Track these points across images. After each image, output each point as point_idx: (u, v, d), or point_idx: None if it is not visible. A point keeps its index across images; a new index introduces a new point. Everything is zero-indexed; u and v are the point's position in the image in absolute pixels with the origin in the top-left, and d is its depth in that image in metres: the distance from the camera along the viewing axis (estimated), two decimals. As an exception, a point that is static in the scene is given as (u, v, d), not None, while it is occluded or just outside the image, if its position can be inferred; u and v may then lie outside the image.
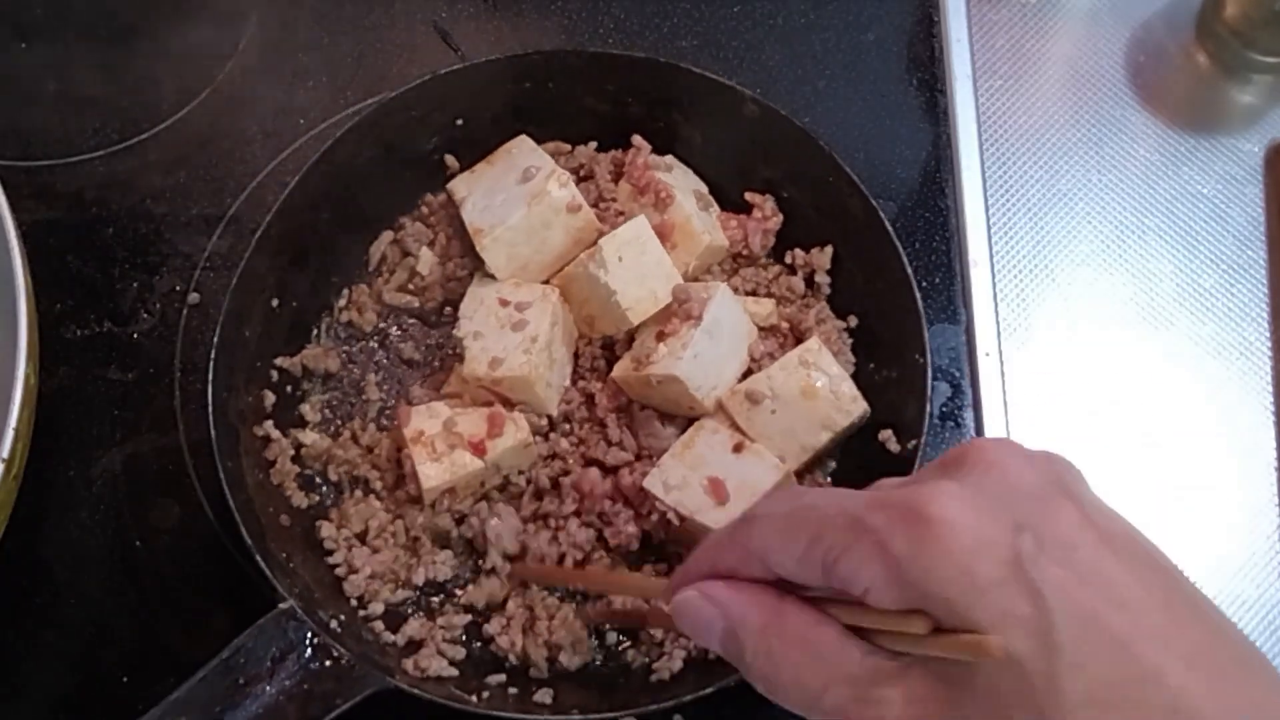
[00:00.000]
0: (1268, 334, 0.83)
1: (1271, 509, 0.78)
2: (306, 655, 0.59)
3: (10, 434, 0.58)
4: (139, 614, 0.70)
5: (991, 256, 0.84)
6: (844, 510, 0.41)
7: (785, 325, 0.76)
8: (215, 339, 0.66)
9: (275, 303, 0.72)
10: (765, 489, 0.67)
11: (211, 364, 0.65)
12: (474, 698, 0.64)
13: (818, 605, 0.43)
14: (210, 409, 0.64)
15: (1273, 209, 0.87)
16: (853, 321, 0.76)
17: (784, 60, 0.90)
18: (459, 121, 0.77)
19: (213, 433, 0.64)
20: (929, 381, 0.69)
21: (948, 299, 0.82)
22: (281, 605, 0.60)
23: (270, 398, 0.71)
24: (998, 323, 0.81)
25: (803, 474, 0.71)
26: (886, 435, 0.70)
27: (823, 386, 0.70)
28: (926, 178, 0.86)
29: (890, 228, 0.72)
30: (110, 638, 0.69)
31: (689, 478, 0.68)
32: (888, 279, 0.72)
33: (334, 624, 0.64)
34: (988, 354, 0.80)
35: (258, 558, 0.61)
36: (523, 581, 0.69)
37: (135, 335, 0.77)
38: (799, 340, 0.74)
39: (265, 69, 0.88)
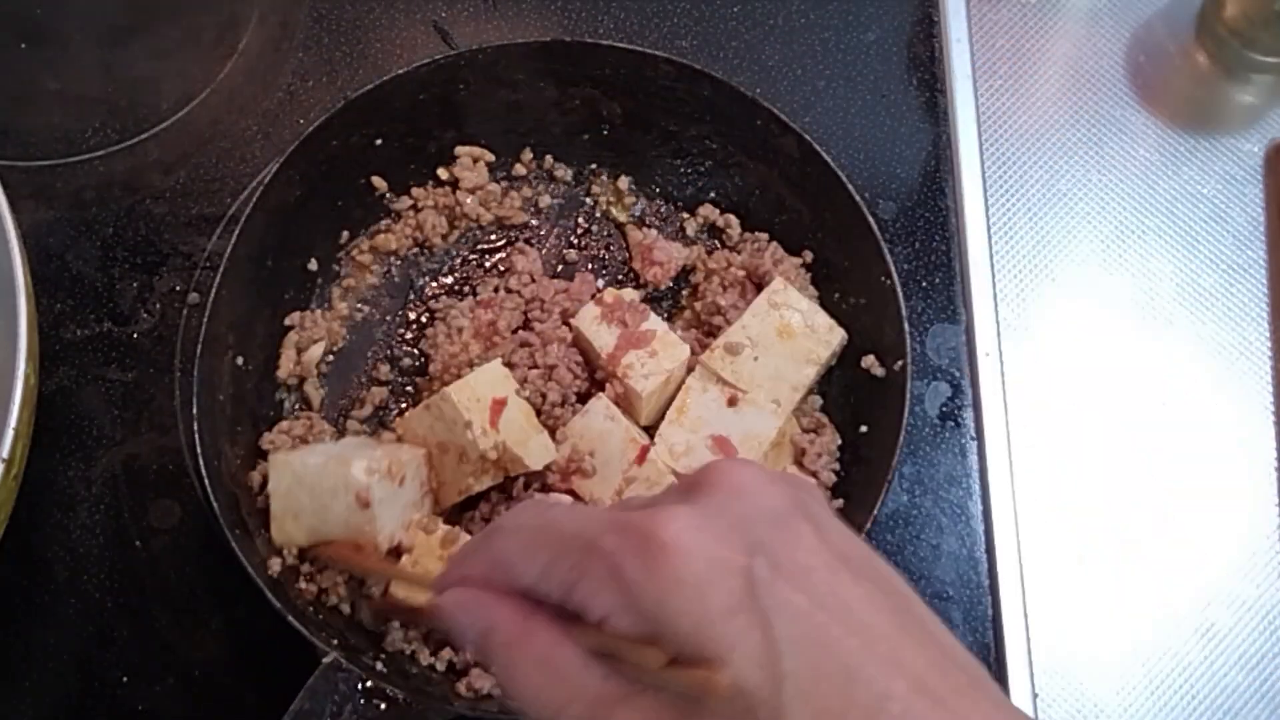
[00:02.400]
0: (1268, 334, 0.83)
1: (1271, 509, 0.78)
2: (361, 704, 0.59)
3: (10, 434, 0.58)
4: (139, 614, 0.70)
5: (991, 256, 0.84)
6: (582, 531, 0.41)
7: (742, 273, 0.77)
8: (194, 411, 0.65)
9: (240, 360, 0.71)
10: (769, 437, 0.67)
11: (197, 438, 0.64)
12: None
13: (567, 623, 0.43)
14: (207, 481, 0.64)
15: (1273, 209, 0.87)
16: (808, 257, 0.77)
17: (784, 60, 0.90)
18: (378, 141, 0.77)
19: (214, 504, 0.63)
20: (900, 301, 0.70)
21: (948, 299, 0.82)
22: (325, 660, 0.60)
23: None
24: (998, 323, 0.81)
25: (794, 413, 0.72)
26: (870, 361, 0.72)
27: (798, 323, 0.72)
28: (926, 178, 0.86)
29: (829, 159, 0.73)
30: (110, 638, 0.69)
31: (692, 441, 0.69)
32: (836, 209, 0.74)
33: (379, 665, 0.64)
34: (988, 354, 0.80)
35: (290, 619, 0.61)
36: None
37: (135, 335, 0.77)
38: (759, 288, 0.75)
39: (265, 69, 0.88)
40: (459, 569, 0.47)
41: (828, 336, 0.72)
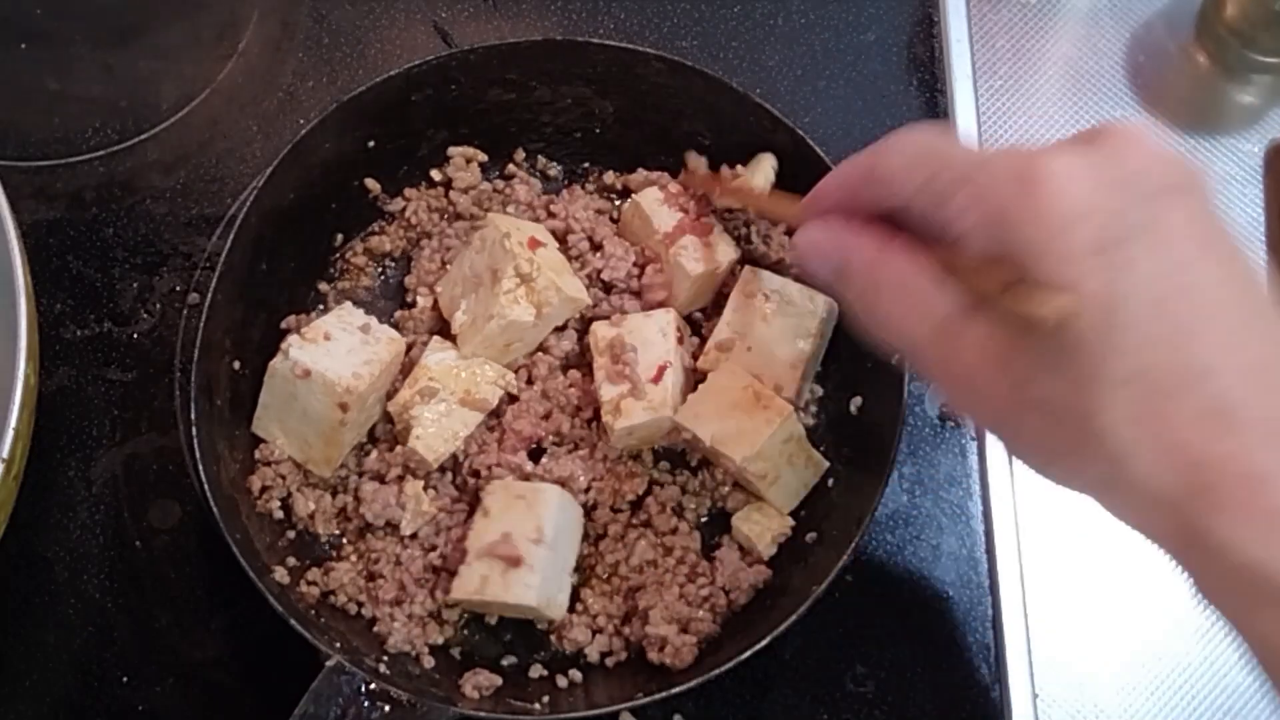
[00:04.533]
0: (1268, 334, 0.83)
1: (1271, 509, 0.78)
2: (365, 706, 0.60)
3: (10, 434, 0.58)
4: (139, 614, 0.70)
5: (991, 256, 0.83)
6: (969, 156, 0.43)
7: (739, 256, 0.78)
8: (192, 415, 0.65)
9: (237, 365, 0.71)
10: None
11: (196, 443, 0.64)
12: (536, 705, 0.64)
13: (924, 246, 0.45)
14: (207, 486, 0.64)
15: (1273, 209, 0.86)
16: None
17: (784, 60, 0.90)
18: (370, 144, 0.77)
19: (214, 509, 0.63)
20: None
21: (948, 299, 0.82)
22: (328, 663, 0.60)
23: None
24: (998, 322, 0.81)
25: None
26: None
27: (774, 306, 0.72)
28: (926, 178, 0.86)
29: (821, 153, 0.73)
30: (110, 638, 0.69)
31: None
32: None
33: (382, 667, 0.64)
34: (988, 354, 0.80)
35: (293, 622, 0.61)
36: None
37: (135, 335, 0.77)
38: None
39: (265, 69, 0.88)
40: (836, 178, 0.50)
41: (811, 306, 0.72)
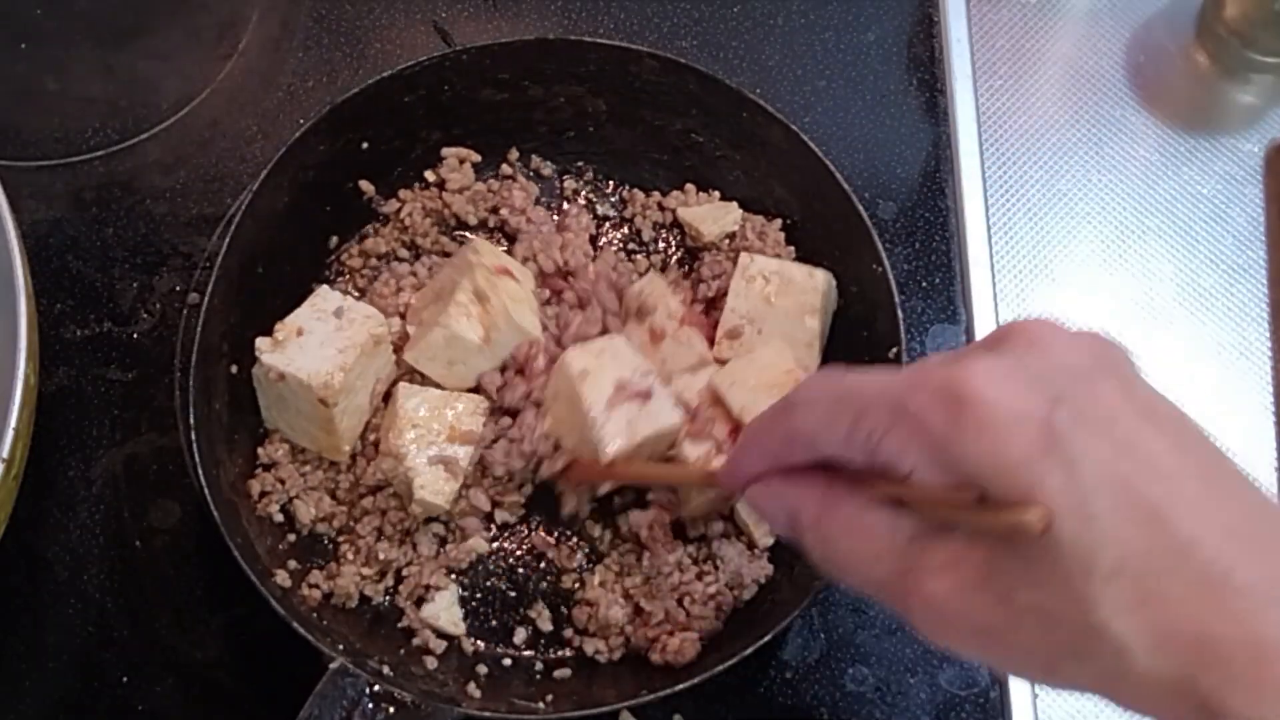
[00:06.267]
0: (1268, 334, 0.83)
1: (1271, 509, 0.78)
2: (370, 708, 0.60)
3: (10, 434, 0.58)
4: (139, 614, 0.70)
5: (991, 256, 0.84)
6: (885, 391, 0.43)
7: (732, 254, 0.77)
8: (191, 420, 0.65)
9: (235, 369, 0.70)
10: None
11: (195, 448, 0.64)
12: (539, 704, 0.65)
13: (867, 483, 0.45)
14: (207, 491, 0.64)
15: (1273, 209, 0.87)
16: (793, 252, 0.78)
17: (784, 60, 0.90)
18: (364, 145, 0.77)
19: (215, 514, 0.63)
20: (893, 288, 0.70)
21: (948, 299, 0.82)
22: (332, 665, 0.60)
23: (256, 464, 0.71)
24: (998, 323, 0.81)
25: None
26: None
27: (775, 287, 0.72)
28: (926, 178, 0.86)
29: (815, 148, 0.74)
30: (110, 638, 0.69)
31: None
32: (825, 198, 0.74)
33: (386, 669, 0.64)
34: (988, 354, 0.80)
35: (295, 625, 0.61)
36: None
37: (135, 335, 0.77)
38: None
39: (265, 69, 0.88)
40: (753, 449, 0.49)
41: (811, 283, 0.73)
